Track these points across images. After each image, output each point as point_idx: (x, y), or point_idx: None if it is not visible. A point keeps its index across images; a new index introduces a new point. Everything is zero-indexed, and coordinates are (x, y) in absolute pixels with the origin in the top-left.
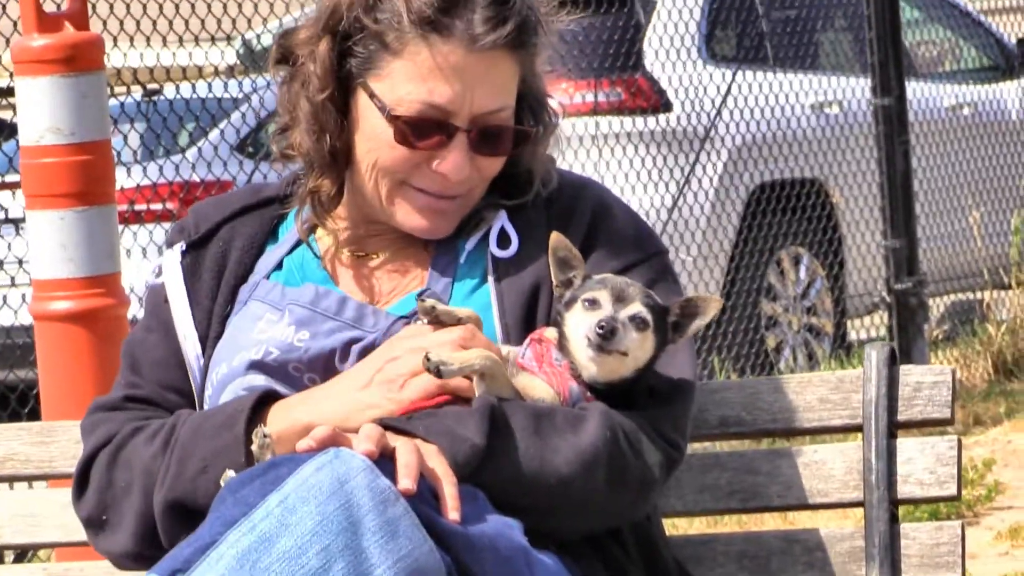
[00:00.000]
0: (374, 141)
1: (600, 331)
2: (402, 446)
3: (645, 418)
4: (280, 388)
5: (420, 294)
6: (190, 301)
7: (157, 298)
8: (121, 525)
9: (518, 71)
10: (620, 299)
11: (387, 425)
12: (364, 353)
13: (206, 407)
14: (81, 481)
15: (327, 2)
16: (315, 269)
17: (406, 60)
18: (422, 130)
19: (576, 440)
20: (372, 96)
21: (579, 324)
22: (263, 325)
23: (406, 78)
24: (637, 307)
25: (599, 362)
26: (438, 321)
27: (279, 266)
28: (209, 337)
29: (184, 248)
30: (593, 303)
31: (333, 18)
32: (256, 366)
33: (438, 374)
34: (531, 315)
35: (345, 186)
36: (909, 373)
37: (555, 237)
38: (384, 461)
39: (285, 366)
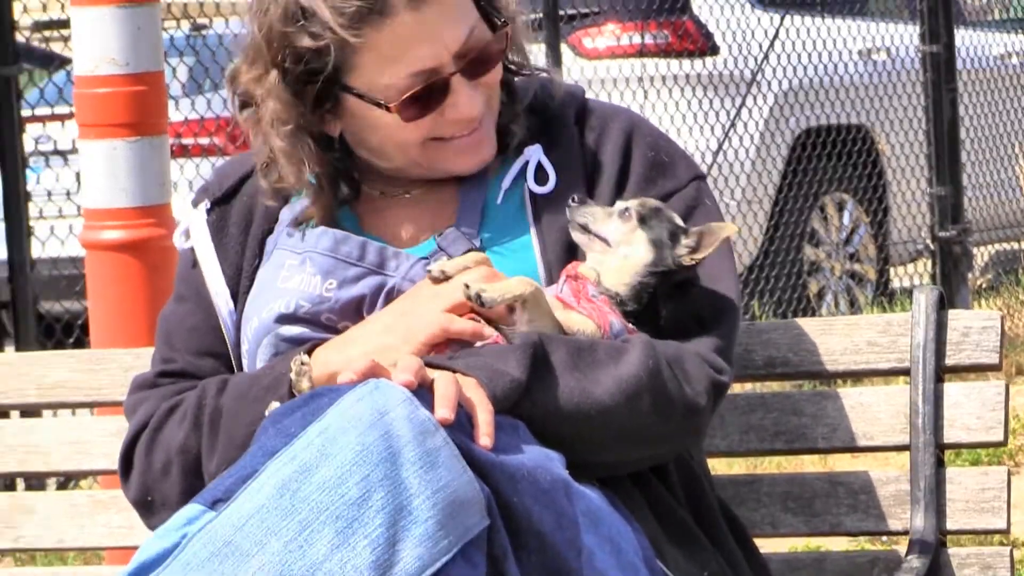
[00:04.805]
0: (384, 130)
1: (571, 204)
2: (440, 377)
3: (689, 345)
4: (321, 337)
5: (438, 245)
6: (219, 257)
7: (186, 264)
8: (167, 505)
9: None
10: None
11: (427, 363)
12: (390, 297)
13: (244, 362)
14: (126, 465)
15: (255, 39)
16: (343, 212)
17: (369, 52)
18: (424, 98)
19: (617, 372)
20: (362, 96)
21: None
22: (285, 272)
23: (380, 67)
24: (629, 203)
25: (583, 243)
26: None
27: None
28: (240, 292)
29: (209, 206)
30: None
31: (270, 51)
32: (287, 319)
33: (479, 302)
34: (572, 251)
35: (360, 161)
36: (957, 318)
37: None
38: (423, 392)
39: (318, 316)
